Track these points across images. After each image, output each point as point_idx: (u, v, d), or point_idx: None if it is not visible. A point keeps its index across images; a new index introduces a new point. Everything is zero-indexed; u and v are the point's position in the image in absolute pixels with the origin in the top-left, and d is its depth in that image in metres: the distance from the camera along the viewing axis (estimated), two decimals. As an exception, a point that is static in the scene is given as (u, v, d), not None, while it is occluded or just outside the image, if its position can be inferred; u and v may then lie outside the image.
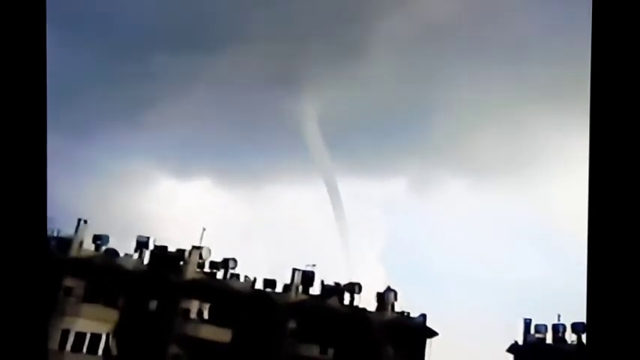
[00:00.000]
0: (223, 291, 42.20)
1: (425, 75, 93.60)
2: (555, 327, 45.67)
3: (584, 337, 43.06)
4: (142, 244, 42.33)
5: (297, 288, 44.18)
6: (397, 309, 45.93)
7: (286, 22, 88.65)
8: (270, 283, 44.74)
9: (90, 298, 39.02)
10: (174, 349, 39.57)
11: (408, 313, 46.13)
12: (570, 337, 44.91)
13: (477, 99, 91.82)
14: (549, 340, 46.21)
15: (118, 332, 38.80)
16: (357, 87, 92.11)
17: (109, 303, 39.29)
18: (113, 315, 39.03)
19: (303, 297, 44.21)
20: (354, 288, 45.79)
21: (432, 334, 45.37)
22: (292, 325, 42.69)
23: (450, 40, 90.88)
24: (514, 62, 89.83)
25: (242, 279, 44.19)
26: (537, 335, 46.74)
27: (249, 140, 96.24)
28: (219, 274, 43.78)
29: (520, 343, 47.31)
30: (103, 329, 38.45)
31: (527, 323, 47.22)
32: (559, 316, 45.52)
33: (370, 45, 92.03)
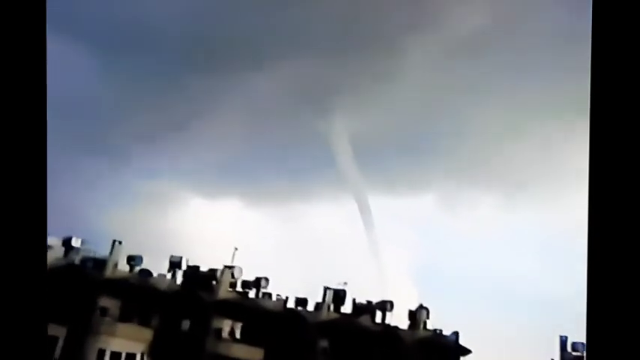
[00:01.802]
0: (255, 310, 42.36)
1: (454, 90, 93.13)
2: (593, 345, 44.51)
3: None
4: (174, 265, 42.83)
5: (329, 306, 44.07)
6: (429, 327, 45.43)
7: (313, 40, 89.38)
8: (301, 301, 44.75)
9: (125, 317, 39.54)
10: (207, 369, 39.78)
11: (441, 331, 45.58)
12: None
13: (506, 115, 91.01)
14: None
15: (152, 351, 39.19)
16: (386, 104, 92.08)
17: (144, 322, 39.75)
18: (147, 334, 39.46)
19: (335, 315, 44.07)
20: (385, 306, 45.48)
21: (465, 352, 44.73)
22: (324, 343, 42.53)
23: (478, 55, 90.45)
24: (544, 77, 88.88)
25: (274, 298, 44.33)
26: (574, 353, 45.62)
27: (278, 159, 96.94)
28: (252, 294, 44.00)
29: (557, 361, 46.23)
30: (138, 349, 38.88)
31: (564, 341, 46.14)
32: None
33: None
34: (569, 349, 45.91)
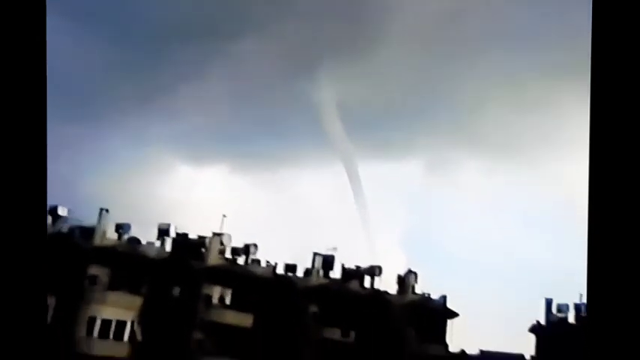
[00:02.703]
0: (245, 276, 42.58)
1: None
2: (578, 306, 45.27)
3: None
4: (163, 232, 42.74)
5: (318, 272, 44.41)
6: (418, 291, 45.99)
7: (300, 5, 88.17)
8: (291, 267, 45.01)
9: (114, 285, 39.61)
10: (197, 335, 40.12)
11: (429, 295, 46.18)
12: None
13: (492, 82, 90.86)
14: (571, 319, 45.94)
15: (142, 319, 39.40)
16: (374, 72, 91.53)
17: (133, 290, 39.85)
18: (137, 302, 39.61)
19: (324, 281, 44.44)
20: (374, 271, 45.91)
21: (453, 315, 45.44)
22: (314, 309, 42.96)
23: (465, 25, 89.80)
24: (534, 43, 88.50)
25: (263, 264, 44.54)
26: (559, 315, 46.46)
27: (266, 125, 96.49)
28: (241, 260, 44.13)
29: (542, 322, 47.11)
30: (128, 316, 39.07)
31: (549, 303, 46.94)
32: (581, 295, 45.13)
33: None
34: (554, 310, 46.75)
